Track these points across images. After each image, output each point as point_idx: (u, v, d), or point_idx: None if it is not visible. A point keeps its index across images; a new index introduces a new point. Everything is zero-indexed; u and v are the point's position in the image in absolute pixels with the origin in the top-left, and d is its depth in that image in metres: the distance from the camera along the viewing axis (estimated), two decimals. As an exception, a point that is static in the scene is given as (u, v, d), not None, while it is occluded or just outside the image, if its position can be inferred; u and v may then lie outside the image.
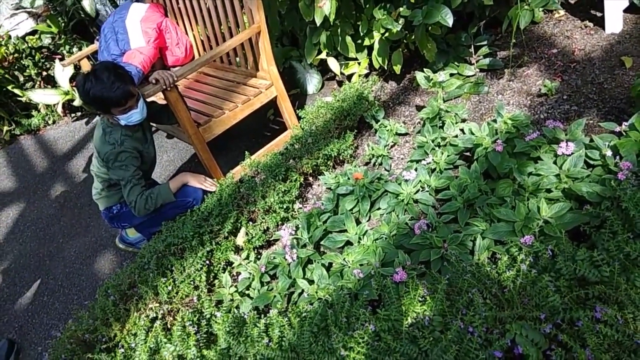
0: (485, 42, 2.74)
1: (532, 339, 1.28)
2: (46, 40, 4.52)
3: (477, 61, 2.75)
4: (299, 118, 2.95)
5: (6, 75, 4.33)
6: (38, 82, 4.52)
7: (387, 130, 2.60)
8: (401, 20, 2.44)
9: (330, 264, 1.99)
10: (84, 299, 2.66)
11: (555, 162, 1.87)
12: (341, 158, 2.61)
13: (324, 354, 1.44)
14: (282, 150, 2.60)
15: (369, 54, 2.90)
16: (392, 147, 2.62)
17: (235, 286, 2.12)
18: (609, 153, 1.76)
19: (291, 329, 1.64)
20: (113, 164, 2.24)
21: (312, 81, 3.43)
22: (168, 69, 3.32)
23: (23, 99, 4.44)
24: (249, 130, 3.36)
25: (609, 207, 1.60)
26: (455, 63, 2.77)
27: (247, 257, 2.22)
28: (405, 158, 2.52)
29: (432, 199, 2.06)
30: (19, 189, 3.90)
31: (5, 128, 4.58)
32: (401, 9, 2.43)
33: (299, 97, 3.46)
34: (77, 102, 4.28)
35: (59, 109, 4.40)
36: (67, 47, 4.54)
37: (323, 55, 3.04)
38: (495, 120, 2.20)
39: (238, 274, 2.23)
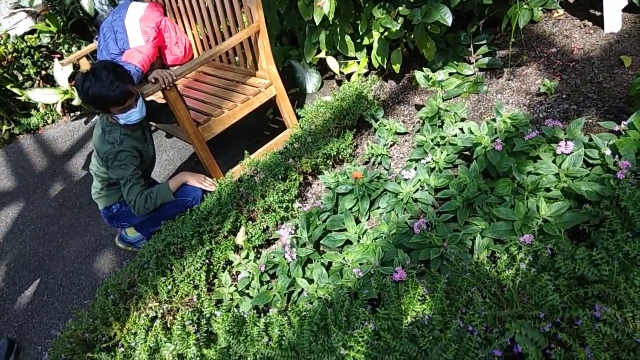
0: (484, 41, 2.74)
1: (531, 338, 1.28)
2: (45, 40, 4.51)
3: (476, 60, 2.75)
4: (298, 117, 2.95)
5: (5, 75, 4.32)
6: (37, 81, 4.51)
7: (387, 130, 2.61)
8: (400, 20, 2.44)
9: (330, 263, 1.99)
10: (83, 298, 2.66)
11: (554, 161, 1.87)
12: (340, 157, 2.61)
13: (323, 353, 1.44)
14: (282, 150, 2.60)
15: (368, 53, 2.90)
16: (391, 146, 2.62)
17: (235, 285, 2.12)
18: (608, 152, 1.77)
19: (291, 328, 1.65)
20: (112, 163, 2.24)
21: (312, 80, 3.42)
22: (167, 68, 3.31)
23: (22, 98, 4.44)
24: (249, 129, 3.36)
25: (608, 206, 1.60)
26: (455, 62, 2.77)
27: (247, 256, 2.23)
28: (404, 157, 2.52)
29: (432, 198, 2.07)
30: (18, 189, 3.90)
31: (5, 127, 4.57)
32: (400, 8, 2.43)
33: (298, 96, 3.46)
34: (76, 102, 4.28)
35: (58, 108, 4.40)
36: (66, 46, 4.54)
37: (322, 55, 3.04)
38: (494, 120, 2.20)
39: (238, 273, 2.23)
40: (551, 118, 2.22)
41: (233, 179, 2.48)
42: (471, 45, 2.76)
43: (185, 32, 3.39)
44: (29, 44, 4.42)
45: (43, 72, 4.53)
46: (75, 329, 2.00)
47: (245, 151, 2.64)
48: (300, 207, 2.38)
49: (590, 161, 1.83)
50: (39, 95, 4.31)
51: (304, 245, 2.11)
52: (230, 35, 2.89)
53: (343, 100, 2.74)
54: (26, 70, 4.43)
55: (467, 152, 2.24)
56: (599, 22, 2.63)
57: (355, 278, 1.80)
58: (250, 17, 2.67)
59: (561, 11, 2.84)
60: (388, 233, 1.96)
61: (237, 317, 1.81)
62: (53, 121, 4.69)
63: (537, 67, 2.59)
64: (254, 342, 1.64)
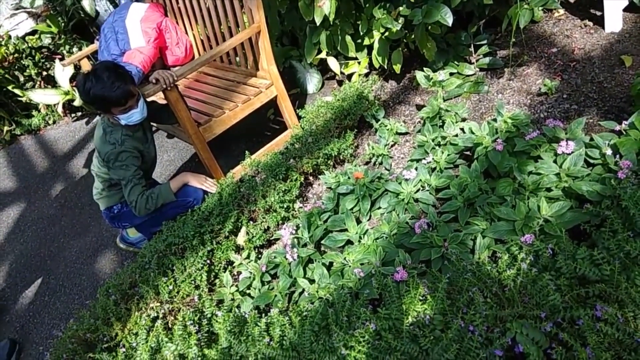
0: (485, 41, 2.74)
1: (532, 338, 1.28)
2: (46, 40, 4.52)
3: (477, 60, 2.75)
4: (299, 117, 2.95)
5: (6, 76, 4.33)
6: (38, 82, 4.52)
7: (388, 130, 2.61)
8: (401, 20, 2.44)
9: (331, 263, 1.99)
10: (85, 299, 2.66)
11: (555, 161, 1.87)
12: (341, 157, 2.61)
13: (324, 353, 1.44)
14: (283, 150, 2.60)
15: (369, 54, 2.90)
16: (392, 146, 2.62)
17: (236, 285, 2.13)
18: (609, 152, 1.77)
19: (292, 328, 1.65)
20: (114, 164, 2.24)
21: (312, 81, 3.43)
22: (168, 68, 3.32)
23: (23, 99, 4.44)
24: (249, 129, 3.36)
25: (609, 205, 1.60)
26: (455, 62, 2.77)
27: (248, 257, 2.23)
28: (405, 157, 2.52)
29: (433, 198, 2.07)
30: (20, 189, 3.90)
31: (6, 128, 4.58)
32: (401, 8, 2.43)
33: (299, 97, 3.46)
34: (78, 102, 4.28)
35: (59, 109, 4.40)
36: (67, 47, 4.54)
37: (323, 55, 3.04)
38: (495, 119, 2.20)
39: (239, 273, 2.23)
40: (552, 118, 2.22)
41: (234, 180, 2.48)
42: (472, 45, 2.76)
43: (186, 33, 3.39)
44: (30, 45, 4.43)
45: (44, 73, 4.54)
46: (76, 329, 2.01)
47: (246, 151, 2.65)
48: (301, 207, 2.38)
49: (591, 161, 1.83)
50: (40, 96, 4.32)
51: (305, 245, 2.11)
52: (231, 35, 2.89)
53: (344, 100, 2.74)
54: (27, 71, 4.43)
55: (468, 152, 2.24)
56: (599, 22, 2.63)
57: (356, 278, 1.80)
58: (251, 18, 2.67)
59: (562, 11, 2.84)
60: (389, 233, 1.96)
61: (238, 317, 1.81)
62: (54, 122, 4.70)
63: (538, 67, 2.59)
64: (255, 342, 1.64)
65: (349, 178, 2.30)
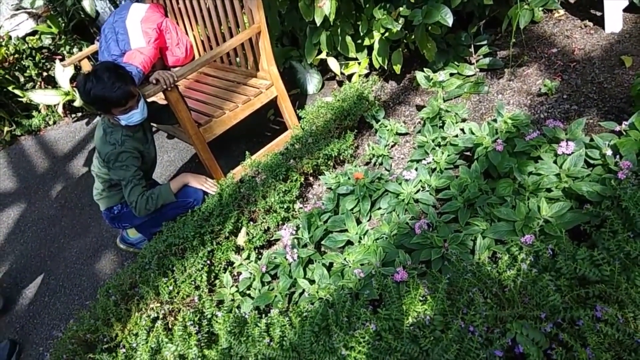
0: (485, 42, 2.74)
1: (532, 338, 1.28)
2: (46, 41, 4.52)
3: (477, 61, 2.75)
4: (299, 118, 2.95)
5: (7, 76, 4.33)
6: (38, 83, 4.52)
7: (388, 130, 2.61)
8: (401, 20, 2.44)
9: (331, 264, 1.99)
10: (85, 299, 2.66)
11: (555, 162, 1.87)
12: (341, 158, 2.61)
13: (325, 354, 1.44)
14: (283, 150, 2.60)
15: (369, 54, 2.91)
16: (392, 146, 2.62)
17: (236, 286, 2.12)
18: (609, 152, 1.77)
19: (292, 328, 1.65)
20: (114, 164, 2.24)
21: (313, 81, 3.43)
22: (168, 69, 3.32)
23: (23, 100, 4.44)
24: (250, 130, 3.36)
25: (609, 206, 1.60)
26: (455, 63, 2.77)
27: (248, 257, 2.23)
28: (405, 158, 2.52)
29: (433, 198, 2.07)
30: (20, 190, 3.90)
31: (6, 129, 4.58)
32: (401, 8, 2.43)
33: (299, 97, 3.46)
34: (78, 103, 4.28)
35: (60, 110, 4.41)
36: (68, 47, 4.54)
37: (323, 55, 3.04)
38: (495, 120, 2.20)
39: (239, 273, 2.23)
40: (552, 118, 2.22)
41: (234, 180, 2.48)
42: (472, 46, 2.77)
43: (187, 33, 3.39)
44: (30, 46, 4.43)
45: (44, 74, 4.54)
46: (76, 329, 2.01)
47: (247, 152, 2.65)
48: (301, 208, 2.38)
49: (591, 161, 1.83)
50: (41, 96, 4.32)
51: (305, 245, 2.11)
52: (231, 36, 2.89)
53: (344, 101, 2.75)
54: (27, 71, 4.44)
55: (468, 153, 2.24)
56: (599, 22, 2.63)
57: (356, 279, 1.80)
58: (251, 18, 2.68)
59: (562, 11, 2.84)
60: (389, 234, 1.96)
61: (238, 318, 1.81)
62: (54, 122, 4.70)
63: (538, 67, 2.59)
64: (255, 343, 1.64)
65: (349, 178, 2.30)
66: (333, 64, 3.05)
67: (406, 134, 2.65)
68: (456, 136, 2.28)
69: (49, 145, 4.40)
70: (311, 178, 2.62)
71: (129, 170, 2.25)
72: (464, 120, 2.46)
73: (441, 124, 2.41)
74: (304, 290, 1.94)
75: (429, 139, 2.32)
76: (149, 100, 2.41)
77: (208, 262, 2.17)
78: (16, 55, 4.37)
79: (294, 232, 2.17)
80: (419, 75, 2.63)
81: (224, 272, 2.21)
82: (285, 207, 2.31)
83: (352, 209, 2.18)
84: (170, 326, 1.98)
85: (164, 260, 2.18)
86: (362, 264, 1.88)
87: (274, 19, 3.11)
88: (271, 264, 2.11)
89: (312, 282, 1.94)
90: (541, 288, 1.34)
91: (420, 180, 2.14)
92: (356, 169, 2.36)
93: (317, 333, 1.54)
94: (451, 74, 2.73)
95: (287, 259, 2.05)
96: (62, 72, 4.16)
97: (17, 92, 4.38)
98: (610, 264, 1.33)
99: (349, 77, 3.15)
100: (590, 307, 1.28)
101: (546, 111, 2.33)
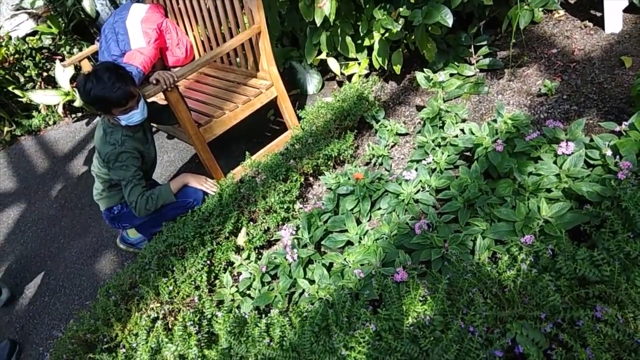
0: (485, 42, 2.74)
1: (532, 339, 1.28)
2: (46, 41, 4.53)
3: (477, 61, 2.75)
4: (299, 118, 2.95)
5: (7, 76, 4.33)
6: (38, 83, 4.52)
7: (388, 131, 2.61)
8: (401, 21, 2.45)
9: (331, 264, 1.99)
10: (85, 299, 2.66)
11: (555, 162, 1.87)
12: (341, 158, 2.61)
13: (325, 354, 1.44)
14: (283, 151, 2.60)
15: (369, 54, 2.91)
16: (392, 147, 2.62)
17: (236, 286, 2.13)
18: (609, 153, 1.77)
19: (292, 328, 1.65)
20: (114, 165, 2.25)
21: (313, 81, 3.43)
22: (168, 69, 3.32)
23: (24, 100, 4.45)
24: (250, 130, 3.37)
25: (609, 206, 1.60)
26: (455, 63, 2.77)
27: (248, 257, 2.23)
28: (405, 158, 2.52)
29: (433, 198, 2.07)
30: (20, 190, 3.90)
31: (6, 129, 4.58)
32: (401, 9, 2.43)
33: (299, 98, 3.46)
34: (78, 103, 4.29)
35: (60, 110, 4.41)
36: (68, 47, 4.54)
37: (323, 56, 3.04)
38: (495, 120, 2.20)
39: (239, 274, 2.23)
40: (552, 119, 2.22)
41: (234, 180, 2.48)
42: (472, 46, 2.77)
43: (187, 34, 3.40)
44: (30, 46, 4.43)
45: (44, 74, 4.54)
46: (76, 329, 2.01)
47: (247, 152, 2.65)
48: (301, 208, 2.38)
49: (591, 162, 1.83)
50: (41, 96, 4.32)
51: (305, 246, 2.11)
52: (232, 36, 2.89)
53: (344, 101, 2.75)
54: (28, 71, 4.44)
55: (468, 153, 2.24)
56: (599, 22, 2.63)
57: (356, 279, 1.80)
58: (251, 19, 2.68)
59: (562, 12, 2.84)
60: (389, 234, 1.96)
61: (238, 318, 1.81)
62: (54, 122, 4.70)
63: (538, 67, 2.59)
64: (255, 343, 1.64)
65: (349, 179, 2.30)
66: (333, 64, 3.05)
67: (406, 134, 2.65)
68: (456, 136, 2.28)
69: (49, 146, 4.40)
70: (311, 178, 2.62)
71: (129, 171, 2.25)
72: (464, 121, 2.46)
73: (441, 125, 2.41)
74: (304, 291, 1.94)
75: (429, 139, 2.32)
76: (149, 100, 2.41)
77: (208, 262, 2.17)
78: (16, 56, 4.37)
79: (294, 233, 2.17)
80: (419, 76, 2.63)
81: (224, 272, 2.21)
82: (285, 207, 2.31)
83: (352, 209, 2.19)
84: (170, 326, 1.98)
85: (164, 261, 2.18)
86: (362, 264, 1.88)
87: (274, 19, 3.11)
88: (271, 264, 2.11)
89: (312, 282, 1.94)
90: (541, 288, 1.35)
91: (420, 181, 2.14)
92: (356, 169, 2.36)
93: (317, 333, 1.54)
94: (451, 75, 2.74)
95: (287, 259, 2.05)
96: (62, 73, 4.16)
97: (17, 92, 4.38)
98: (610, 264, 1.33)
99: (349, 77, 3.15)
100: (590, 308, 1.28)
101: (546, 111, 2.34)
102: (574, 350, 1.22)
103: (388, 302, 1.53)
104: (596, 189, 1.67)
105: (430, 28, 2.52)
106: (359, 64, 3.02)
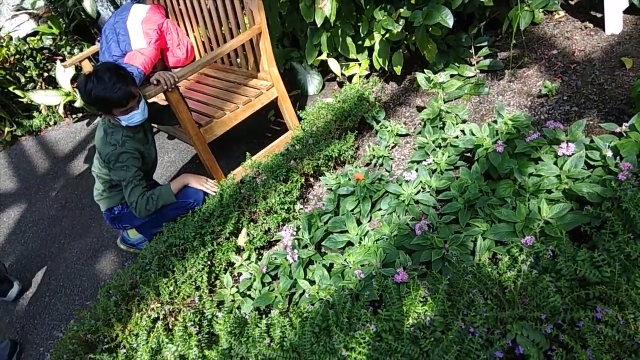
0: (485, 43, 2.74)
1: (533, 340, 1.29)
2: (47, 42, 4.53)
3: (477, 62, 2.75)
4: (299, 119, 2.95)
5: (7, 77, 4.34)
6: (39, 83, 4.53)
7: (388, 131, 2.61)
8: (401, 21, 2.45)
9: (332, 265, 1.99)
10: (85, 300, 2.66)
11: (555, 163, 1.87)
12: (342, 159, 2.61)
13: (325, 354, 1.44)
14: (283, 151, 2.61)
15: (370, 55, 2.91)
16: (392, 148, 2.62)
17: (237, 287, 2.13)
18: (609, 154, 1.77)
19: (292, 329, 1.65)
20: (114, 165, 2.25)
21: (313, 82, 3.43)
22: (169, 70, 3.32)
23: (24, 100, 4.45)
24: (250, 131, 3.37)
25: (610, 207, 1.60)
26: (456, 64, 2.78)
27: (249, 258, 2.23)
28: (406, 159, 2.52)
29: (433, 199, 2.07)
30: (20, 190, 3.91)
31: (7, 129, 4.59)
32: (401, 10, 2.44)
33: (299, 98, 3.46)
34: (79, 103, 4.29)
35: (60, 110, 4.41)
36: (68, 48, 4.55)
37: (324, 56, 3.04)
38: (495, 121, 2.20)
39: (239, 274, 2.23)
40: (552, 120, 2.22)
41: (235, 181, 2.48)
42: (472, 47, 2.77)
43: (187, 34, 3.40)
44: (31, 46, 4.44)
45: (45, 74, 4.54)
46: (77, 330, 2.01)
47: (247, 153, 2.65)
48: (301, 209, 2.39)
49: (592, 163, 1.83)
50: (41, 97, 4.33)
51: (305, 246, 2.11)
52: (232, 37, 2.89)
53: (344, 102, 2.75)
54: (28, 72, 4.44)
55: (468, 154, 2.24)
56: (599, 23, 2.63)
57: (356, 279, 1.80)
58: (252, 19, 2.68)
59: (562, 13, 2.84)
60: (389, 234, 1.96)
61: (238, 319, 1.81)
62: (55, 123, 4.70)
63: (538, 68, 2.59)
64: (255, 343, 1.64)
65: (349, 179, 2.30)
66: (334, 65, 3.05)
67: (406, 135, 2.65)
68: (456, 137, 2.29)
69: (49, 146, 4.40)
70: (312, 179, 2.63)
71: (130, 171, 2.25)
72: (464, 122, 2.46)
73: (441, 125, 2.41)
74: (304, 291, 1.94)
75: (430, 140, 2.32)
76: (150, 100, 2.41)
77: (208, 262, 2.17)
78: (17, 56, 4.37)
79: (294, 233, 2.17)
80: (420, 77, 2.63)
81: (225, 273, 2.21)
82: (285, 207, 2.32)
83: (352, 210, 2.19)
84: (170, 327, 1.99)
85: (164, 261, 2.18)
86: (362, 265, 1.88)
87: (275, 20, 3.11)
88: (271, 264, 2.11)
89: (312, 282, 1.94)
90: (541, 289, 1.35)
91: (421, 181, 2.14)
92: (357, 170, 2.37)
93: (317, 334, 1.54)
94: (451, 75, 2.74)
95: (287, 260, 2.06)
96: (63, 73, 4.16)
97: (18, 92, 4.39)
98: (610, 266, 1.33)
99: (350, 78, 3.15)
100: (590, 309, 1.28)
101: (546, 112, 2.34)
102: (574, 351, 1.22)
103: (388, 303, 1.53)
104: (596, 190, 1.67)
105: (430, 29, 2.52)
106: (360, 64, 3.02)
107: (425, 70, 2.66)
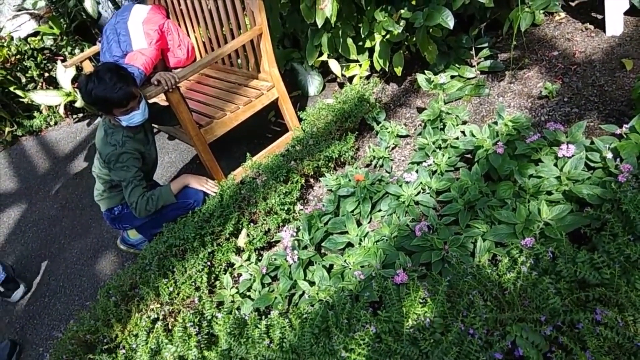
0: (486, 44, 2.75)
1: (532, 341, 1.28)
2: (48, 42, 4.53)
3: (477, 63, 2.75)
4: (300, 120, 2.95)
5: (8, 77, 4.34)
6: (40, 84, 4.53)
7: (388, 132, 2.61)
8: (402, 22, 2.45)
9: (331, 266, 1.99)
10: (85, 300, 2.66)
11: (555, 165, 1.87)
12: (342, 160, 2.61)
13: (324, 356, 1.44)
14: (283, 152, 2.61)
15: (370, 56, 2.91)
16: (393, 149, 2.62)
17: (236, 287, 2.13)
18: (609, 155, 1.77)
19: (292, 330, 1.65)
20: (114, 165, 2.25)
21: (314, 83, 3.43)
22: (170, 70, 3.32)
23: (25, 100, 4.45)
24: (251, 131, 3.37)
25: (610, 209, 1.60)
26: (456, 65, 2.78)
27: (248, 259, 2.23)
28: (406, 160, 2.52)
29: (433, 200, 2.07)
30: (21, 190, 3.91)
31: (7, 129, 4.59)
32: (402, 11, 2.44)
33: (300, 99, 3.46)
34: (79, 104, 4.29)
35: (61, 110, 4.41)
36: (69, 48, 4.55)
37: (324, 57, 3.04)
38: (496, 122, 2.20)
39: (239, 275, 2.23)
40: (553, 121, 2.22)
41: (235, 181, 2.48)
42: (473, 48, 2.77)
43: (188, 35, 3.40)
44: (32, 46, 4.44)
45: (46, 74, 4.55)
46: (76, 330, 2.01)
47: (247, 153, 2.65)
48: (301, 210, 2.38)
49: (592, 164, 1.83)
50: (42, 97, 4.33)
51: (305, 247, 2.11)
52: (233, 38, 2.89)
53: (345, 102, 2.75)
54: (29, 72, 4.44)
55: (468, 155, 2.24)
56: (600, 25, 2.63)
57: (356, 280, 1.80)
58: (253, 20, 2.68)
59: (563, 14, 2.84)
60: (389, 236, 1.96)
61: (238, 319, 1.81)
62: (56, 123, 4.71)
63: (539, 70, 2.59)
64: (255, 344, 1.64)
65: (349, 180, 2.30)
66: (334, 65, 3.06)
67: (407, 136, 2.65)
68: (457, 138, 2.28)
69: (50, 146, 4.41)
70: (312, 180, 2.63)
71: (130, 171, 2.25)
72: (464, 123, 2.46)
73: (442, 126, 2.41)
74: (304, 292, 1.94)
75: (430, 141, 2.32)
76: (151, 101, 2.42)
77: (208, 263, 2.17)
78: (18, 56, 4.37)
79: (294, 234, 2.17)
80: (420, 78, 2.63)
81: (224, 274, 2.21)
82: (285, 208, 2.32)
83: (352, 211, 2.19)
84: (170, 327, 1.98)
85: (164, 262, 2.18)
86: (362, 266, 1.88)
87: (276, 20, 3.12)
88: (271, 265, 2.11)
89: (312, 283, 1.94)
90: (541, 291, 1.35)
91: (421, 183, 2.14)
92: (357, 170, 2.37)
93: (317, 335, 1.54)
94: (452, 77, 2.74)
95: (287, 261, 2.05)
96: (64, 73, 4.17)
97: (18, 92, 4.39)
98: (610, 267, 1.33)
99: (350, 79, 3.15)
100: (590, 310, 1.28)
101: (547, 114, 2.34)
102: (573, 353, 1.22)
103: (388, 304, 1.53)
104: (596, 192, 1.67)
105: (431, 30, 2.52)
106: (360, 65, 3.02)
107: (426, 72, 2.66)
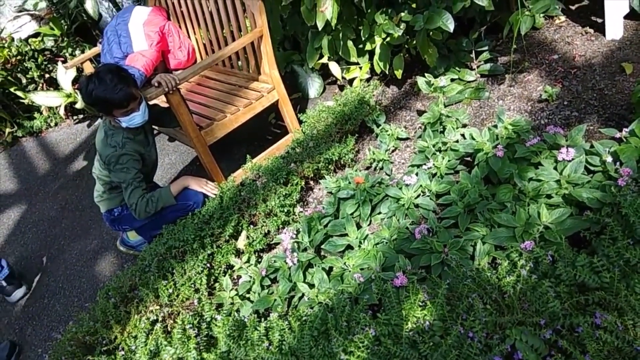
0: (486, 48, 2.75)
1: (532, 345, 1.28)
2: (49, 43, 4.54)
3: (478, 66, 2.76)
4: (300, 122, 2.95)
5: (9, 77, 4.34)
6: (40, 85, 4.53)
7: (388, 135, 2.61)
8: (402, 25, 2.46)
9: (331, 268, 1.99)
10: (84, 301, 2.66)
11: (555, 168, 1.87)
12: (342, 162, 2.61)
13: (324, 358, 1.44)
14: (284, 154, 2.61)
15: (371, 59, 2.91)
16: (393, 151, 2.63)
17: (236, 289, 2.12)
18: (609, 159, 1.77)
19: (291, 332, 1.65)
20: (114, 167, 2.25)
21: (314, 85, 3.44)
22: (170, 72, 3.33)
23: (25, 101, 4.45)
24: (251, 133, 3.37)
25: (609, 213, 1.60)
26: (456, 68, 2.78)
27: (248, 261, 2.23)
28: (406, 163, 2.52)
29: (433, 203, 2.07)
30: (21, 191, 3.91)
31: (8, 130, 4.59)
32: (402, 14, 2.44)
33: (300, 101, 3.47)
34: (80, 105, 4.29)
35: (61, 111, 4.41)
36: (70, 49, 4.56)
37: (325, 60, 3.05)
38: (496, 126, 2.21)
39: (239, 277, 2.23)
40: (552, 124, 2.23)
41: (235, 183, 2.49)
42: (473, 52, 2.77)
43: (189, 37, 3.41)
44: (32, 47, 4.45)
45: (47, 76, 4.55)
46: (75, 331, 2.01)
47: (247, 155, 2.65)
48: (301, 212, 2.39)
49: (592, 168, 1.83)
50: (43, 98, 4.33)
51: (305, 249, 2.11)
52: (234, 39, 2.90)
53: (345, 105, 2.75)
54: (30, 73, 4.45)
55: (468, 158, 2.24)
56: (600, 29, 2.64)
57: (356, 283, 1.80)
58: (254, 22, 2.69)
59: (563, 18, 2.85)
60: (389, 238, 1.96)
61: (237, 321, 1.81)
62: (56, 124, 4.71)
63: (539, 73, 2.59)
64: (254, 347, 1.64)
65: (349, 183, 2.30)
66: (334, 68, 3.06)
67: (407, 138, 2.65)
68: (457, 141, 2.29)
69: (50, 147, 4.41)
70: (312, 182, 2.63)
71: (130, 173, 2.25)
72: (464, 126, 2.46)
73: (442, 129, 2.41)
74: (303, 294, 1.94)
75: (430, 144, 2.32)
76: (151, 102, 2.42)
77: (208, 265, 2.17)
78: (18, 57, 4.38)
79: (294, 236, 2.17)
80: (420, 81, 2.63)
81: (224, 276, 2.21)
82: (285, 210, 2.32)
83: (352, 214, 2.19)
84: (169, 329, 1.98)
85: (163, 263, 2.18)
86: (361, 269, 1.88)
87: (276, 23, 3.12)
88: (271, 267, 2.11)
89: (311, 286, 1.94)
90: (541, 294, 1.35)
91: (421, 185, 2.14)
92: (357, 173, 2.37)
93: (316, 337, 1.54)
94: (452, 80, 2.74)
95: (287, 263, 2.05)
96: (64, 74, 4.17)
97: (19, 93, 4.39)
98: (609, 271, 1.33)
99: (350, 81, 3.16)
100: (589, 314, 1.28)
101: (547, 117, 2.34)
102: (573, 356, 1.22)
103: (387, 307, 1.53)
104: (596, 196, 1.67)
105: (431, 33, 2.53)
106: (361, 68, 3.02)
107: (426, 74, 2.66)
